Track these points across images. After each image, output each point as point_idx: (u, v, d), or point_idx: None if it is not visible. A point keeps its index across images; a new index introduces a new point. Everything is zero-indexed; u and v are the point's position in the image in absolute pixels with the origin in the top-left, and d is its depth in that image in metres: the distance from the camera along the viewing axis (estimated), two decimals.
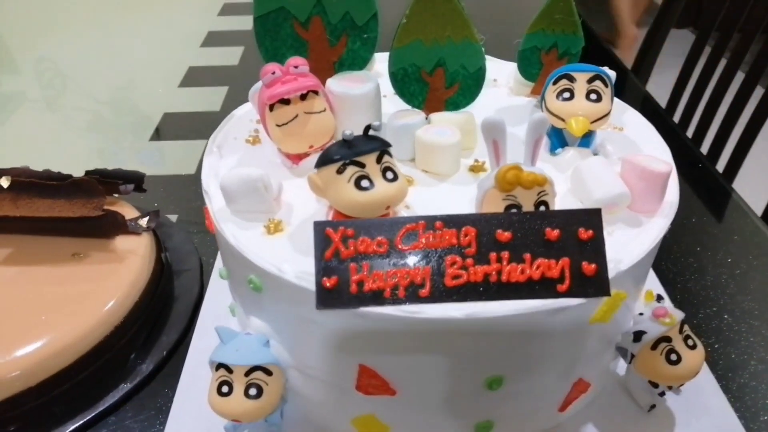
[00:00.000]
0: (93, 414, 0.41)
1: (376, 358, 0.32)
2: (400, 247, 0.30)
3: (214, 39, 1.07)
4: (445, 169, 0.40)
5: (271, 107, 0.39)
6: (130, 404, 0.43)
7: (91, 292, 0.45)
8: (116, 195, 0.54)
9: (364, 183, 0.32)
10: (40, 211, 0.47)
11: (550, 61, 0.46)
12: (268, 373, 0.35)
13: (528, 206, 0.32)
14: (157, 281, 0.49)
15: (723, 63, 0.95)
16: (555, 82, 0.41)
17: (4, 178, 0.47)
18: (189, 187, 0.67)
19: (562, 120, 0.40)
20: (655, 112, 0.84)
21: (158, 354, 0.46)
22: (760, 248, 0.56)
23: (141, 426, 0.42)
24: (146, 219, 0.51)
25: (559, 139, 0.42)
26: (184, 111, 0.84)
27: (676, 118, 1.04)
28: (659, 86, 1.12)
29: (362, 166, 0.32)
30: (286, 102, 0.39)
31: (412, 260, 0.30)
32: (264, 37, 0.45)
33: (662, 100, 0.92)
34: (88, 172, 0.52)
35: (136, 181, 0.55)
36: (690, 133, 1.00)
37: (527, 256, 0.30)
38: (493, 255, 0.30)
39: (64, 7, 1.23)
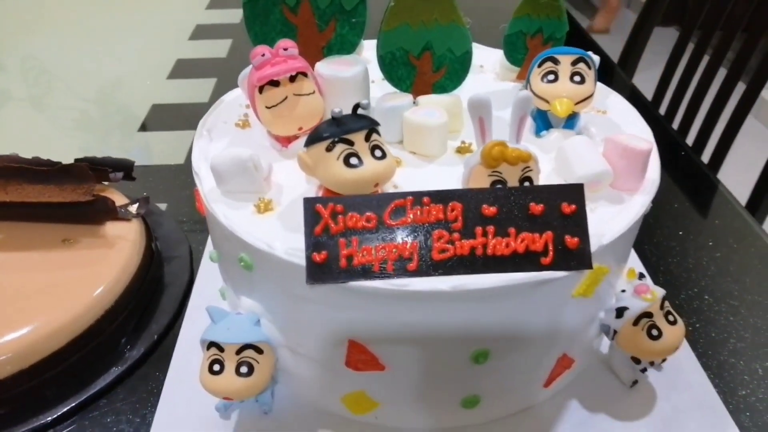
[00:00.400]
0: (84, 397, 0.42)
1: (365, 333, 0.33)
2: (388, 222, 0.31)
3: (202, 32, 1.07)
4: (432, 150, 0.40)
5: (261, 89, 0.39)
6: (121, 387, 0.43)
7: (81, 277, 0.45)
8: (105, 183, 0.54)
9: (353, 160, 0.33)
10: (30, 196, 0.47)
11: (535, 46, 0.47)
12: (259, 351, 0.35)
13: (513, 182, 0.32)
14: (147, 267, 0.49)
15: (706, 59, 0.97)
16: (540, 65, 0.42)
17: None
18: (178, 176, 0.67)
19: (547, 102, 0.41)
20: (642, 104, 0.85)
21: (148, 339, 0.46)
22: (740, 232, 0.57)
23: (132, 408, 0.42)
24: (136, 205, 0.51)
25: (543, 122, 0.43)
26: (172, 102, 0.84)
27: (662, 112, 1.06)
28: (644, 82, 1.13)
29: (351, 143, 0.33)
30: (275, 84, 0.39)
31: (400, 235, 0.31)
32: (253, 21, 0.45)
33: (647, 95, 0.94)
34: (77, 160, 0.52)
35: (125, 168, 0.55)
36: (675, 126, 1.02)
37: (512, 230, 0.31)
38: (479, 229, 0.31)
39: (50, 4, 1.22)
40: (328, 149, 0.33)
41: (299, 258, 0.31)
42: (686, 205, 0.62)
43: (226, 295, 0.44)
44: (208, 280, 0.50)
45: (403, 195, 0.31)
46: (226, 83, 0.88)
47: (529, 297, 0.31)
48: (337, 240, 0.31)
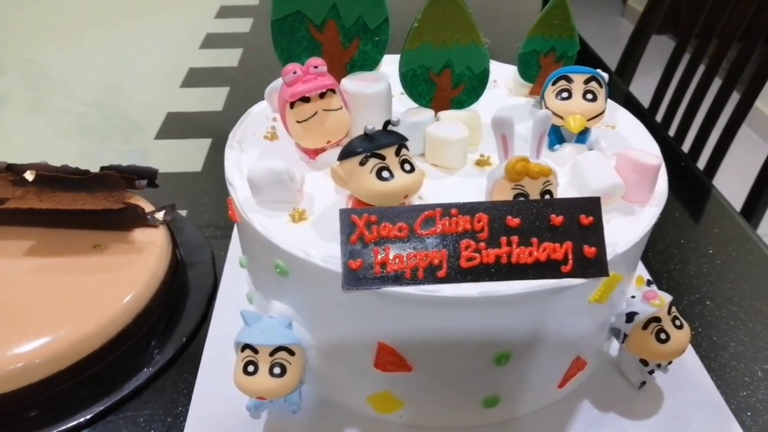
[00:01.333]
0: (118, 397, 0.43)
1: (395, 336, 0.35)
2: (419, 232, 0.33)
3: (212, 41, 1.09)
4: (453, 162, 0.43)
5: (292, 104, 0.42)
6: (152, 387, 0.45)
7: (113, 282, 0.47)
8: (131, 190, 0.56)
9: (385, 174, 0.35)
10: (64, 204, 0.49)
11: (547, 64, 0.50)
12: (291, 353, 0.37)
13: (534, 195, 0.35)
14: (173, 273, 0.51)
15: (702, 68, 1.00)
16: (554, 83, 0.44)
17: (28, 172, 0.49)
18: (196, 183, 0.70)
19: (561, 118, 0.43)
20: (639, 112, 0.88)
21: (177, 341, 0.48)
22: (738, 240, 0.60)
23: (164, 408, 0.44)
24: (163, 212, 0.53)
25: (557, 136, 0.45)
26: (187, 111, 0.86)
27: (658, 119, 1.09)
28: (641, 87, 1.16)
29: (383, 158, 0.35)
30: (306, 100, 0.41)
31: (430, 244, 0.33)
32: (281, 38, 0.47)
33: (644, 102, 0.97)
34: (102, 168, 0.54)
35: (149, 176, 0.57)
36: (671, 133, 1.05)
37: (534, 240, 0.33)
38: (503, 239, 0.33)
39: (60, 15, 1.24)
40: (362, 163, 0.35)
41: (335, 265, 0.33)
42: (686, 213, 0.64)
43: (253, 299, 0.46)
44: (232, 284, 0.52)
45: (433, 207, 0.33)
46: (238, 92, 0.90)
47: (549, 303, 0.34)
48: (372, 248, 0.33)
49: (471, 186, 0.41)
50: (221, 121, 0.83)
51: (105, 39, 1.11)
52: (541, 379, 0.39)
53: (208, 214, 0.64)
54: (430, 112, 0.45)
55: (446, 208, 0.33)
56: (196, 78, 0.95)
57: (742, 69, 0.92)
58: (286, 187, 0.38)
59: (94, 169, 0.52)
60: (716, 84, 0.96)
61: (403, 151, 0.36)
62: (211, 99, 0.89)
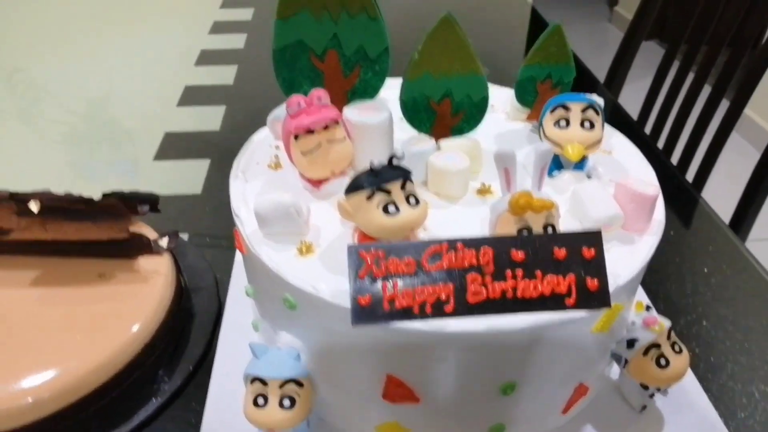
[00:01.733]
0: (128, 429, 0.44)
1: (403, 368, 0.36)
2: (426, 266, 0.34)
3: (207, 57, 1.09)
4: (455, 191, 0.43)
5: (296, 136, 0.42)
6: (161, 418, 0.45)
7: (120, 312, 0.47)
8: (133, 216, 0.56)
9: (391, 208, 0.36)
10: (69, 234, 0.49)
11: (544, 90, 0.51)
12: (300, 384, 0.38)
13: (537, 228, 0.36)
14: (178, 300, 0.51)
15: (691, 75, 1.01)
16: (552, 111, 0.45)
17: (32, 202, 0.49)
18: (196, 206, 0.70)
19: (559, 146, 0.44)
20: (628, 125, 0.89)
21: (184, 370, 0.48)
22: (730, 258, 0.61)
23: None
24: (167, 239, 0.53)
25: (555, 163, 0.46)
26: (184, 131, 0.86)
27: (648, 126, 1.10)
28: (629, 96, 1.18)
29: (388, 192, 0.36)
30: (310, 131, 0.42)
31: (437, 278, 0.34)
32: (282, 68, 0.48)
33: (632, 109, 0.98)
34: (105, 195, 0.54)
35: (151, 202, 0.57)
36: (661, 143, 1.06)
37: (538, 273, 0.34)
38: (508, 272, 0.34)
39: (52, 31, 1.24)
40: (368, 198, 0.36)
41: (344, 300, 0.34)
42: (680, 231, 0.66)
43: (259, 327, 0.47)
44: (236, 310, 0.52)
45: (439, 241, 0.34)
46: (235, 111, 0.90)
47: (554, 334, 0.35)
48: (380, 283, 0.33)
49: (473, 215, 0.42)
50: (219, 141, 0.83)
51: (98, 52, 1.11)
52: (546, 406, 0.40)
53: (209, 238, 0.64)
54: (432, 142, 0.46)
55: (452, 243, 0.34)
56: (192, 96, 0.96)
57: (731, 75, 0.94)
58: (293, 220, 0.39)
59: (94, 188, 0.52)
60: (706, 90, 0.98)
61: (408, 184, 0.37)
62: (208, 118, 0.89)
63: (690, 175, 0.99)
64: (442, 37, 0.44)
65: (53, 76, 1.01)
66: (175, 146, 0.82)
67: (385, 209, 0.36)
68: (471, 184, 0.45)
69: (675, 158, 1.03)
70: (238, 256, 0.59)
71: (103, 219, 0.50)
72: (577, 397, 0.41)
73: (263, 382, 0.38)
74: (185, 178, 0.75)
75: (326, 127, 0.42)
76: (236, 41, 1.15)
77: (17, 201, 0.53)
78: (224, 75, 1.02)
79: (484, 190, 0.44)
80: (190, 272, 0.57)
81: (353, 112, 0.46)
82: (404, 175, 0.37)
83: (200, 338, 0.51)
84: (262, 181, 0.46)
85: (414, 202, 0.36)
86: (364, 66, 0.48)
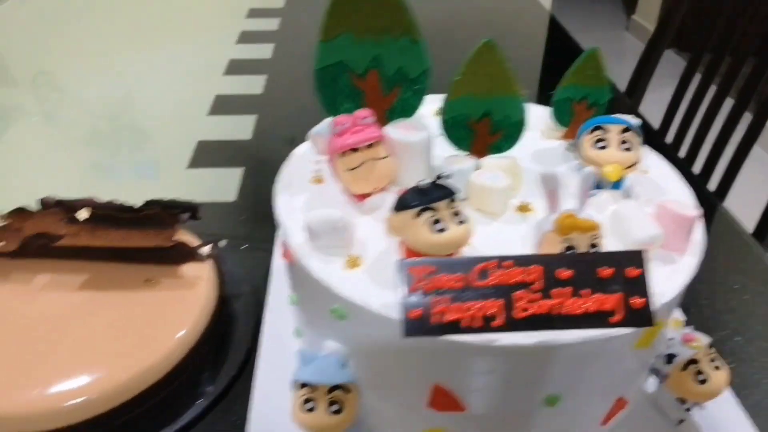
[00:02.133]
0: (175, 429, 0.45)
1: (450, 378, 0.37)
2: (475, 283, 0.35)
3: (236, 67, 1.11)
4: (496, 209, 0.45)
5: (342, 153, 0.44)
6: (206, 420, 0.47)
7: (167, 316, 0.49)
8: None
9: (439, 226, 0.37)
10: (116, 241, 0.51)
11: (581, 110, 0.52)
12: (348, 391, 0.39)
13: (582, 247, 0.37)
14: (221, 305, 0.53)
15: (713, 87, 1.02)
16: (590, 132, 0.46)
17: (84, 210, 0.51)
18: (231, 213, 0.72)
19: (598, 166, 0.45)
20: (650, 133, 0.90)
21: (228, 373, 0.50)
22: (763, 276, 0.62)
23: None
24: (209, 246, 0.55)
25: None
26: (216, 139, 0.88)
27: (669, 137, 1.10)
28: (649, 107, 1.19)
29: (435, 210, 0.37)
30: (354, 149, 0.44)
31: (485, 294, 0.35)
32: (324, 86, 0.49)
33: (653, 119, 0.98)
34: (148, 202, 0.56)
35: (191, 210, 0.59)
36: (682, 154, 1.06)
37: (585, 291, 0.35)
38: (555, 291, 0.35)
39: (79, 42, 1.27)
40: (416, 216, 0.37)
41: (393, 312, 0.35)
42: (709, 246, 0.66)
43: (302, 334, 0.48)
44: (277, 317, 0.54)
45: (488, 259, 0.35)
46: (266, 120, 0.92)
47: (598, 349, 0.36)
48: (430, 298, 0.35)
49: (514, 232, 0.43)
50: (252, 150, 0.85)
51: (127, 62, 1.14)
52: (587, 418, 0.41)
53: (246, 245, 0.66)
54: (472, 160, 0.47)
55: (501, 260, 0.35)
56: (223, 105, 0.98)
57: (755, 87, 0.94)
58: (341, 234, 0.40)
59: (131, 196, 0.54)
60: (729, 102, 0.98)
61: (455, 203, 0.38)
62: (240, 127, 0.91)
63: (711, 186, 0.99)
64: (483, 60, 0.45)
65: (85, 86, 1.04)
66: (208, 154, 0.84)
67: (434, 227, 0.37)
68: (511, 202, 0.46)
69: (696, 168, 1.03)
70: (276, 263, 0.60)
71: (149, 227, 0.52)
72: (616, 410, 0.42)
73: (312, 388, 0.39)
74: (219, 185, 0.77)
75: (370, 146, 0.44)
76: (264, 51, 1.18)
77: (65, 208, 0.55)
78: (253, 84, 1.04)
79: (524, 208, 0.45)
80: (230, 278, 0.59)
81: (395, 131, 0.47)
82: (451, 194, 0.38)
83: (242, 343, 0.52)
84: (307, 195, 0.47)
85: (460, 220, 0.38)
86: (404, 86, 0.49)
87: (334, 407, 0.39)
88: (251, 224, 0.69)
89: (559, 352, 0.35)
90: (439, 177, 0.38)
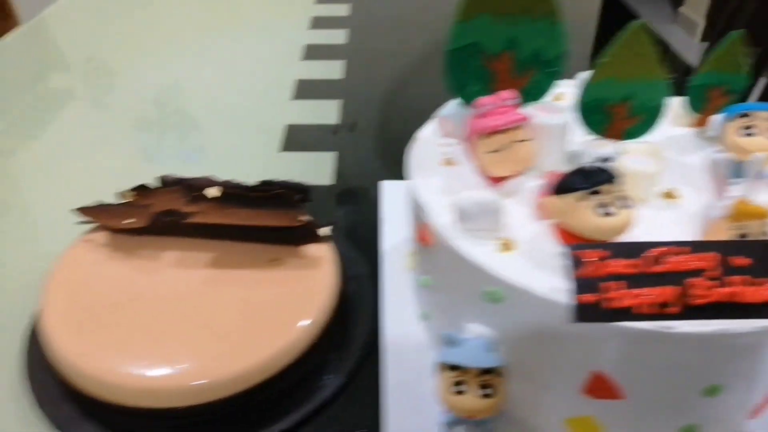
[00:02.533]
0: (307, 410, 0.46)
1: (614, 367, 0.37)
2: (648, 269, 0.35)
3: (313, 52, 1.12)
4: (643, 194, 0.44)
5: (484, 135, 0.44)
6: (342, 397, 0.48)
7: (296, 296, 0.50)
8: None
9: (605, 210, 0.37)
10: (244, 219, 0.52)
11: (716, 97, 0.50)
12: (498, 374, 0.39)
13: (755, 235, 0.36)
14: (344, 286, 0.54)
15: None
16: (735, 119, 0.45)
17: (215, 188, 0.52)
18: (329, 197, 0.72)
19: (745, 152, 0.44)
20: None
21: (354, 353, 0.50)
22: None
23: (357, 417, 0.46)
24: (329, 228, 0.55)
25: (734, 170, 0.46)
26: (304, 123, 0.89)
27: None
28: None
29: (601, 194, 0.37)
30: (498, 131, 0.43)
31: (658, 281, 0.34)
32: (454, 68, 0.49)
33: None
34: (264, 182, 0.57)
35: (304, 191, 0.59)
36: None
37: (762, 279, 0.34)
38: (732, 278, 0.34)
39: (152, 33, 1.29)
40: (581, 199, 0.37)
41: (560, 297, 0.35)
42: None
43: (430, 317, 0.48)
44: (395, 299, 0.54)
45: (663, 244, 0.35)
46: (351, 105, 0.93)
47: None
48: (602, 283, 0.34)
49: (664, 218, 0.42)
50: (341, 134, 0.86)
51: (200, 51, 1.15)
52: (739, 411, 0.40)
53: (350, 228, 0.66)
54: (614, 145, 0.46)
55: (677, 246, 0.35)
56: (306, 90, 0.98)
57: None
58: (494, 217, 0.40)
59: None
60: None
61: (617, 187, 0.38)
62: (325, 111, 0.92)
63: None
64: (633, 43, 0.44)
65: (161, 77, 1.06)
66: (298, 138, 0.85)
67: (600, 211, 0.36)
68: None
69: None
70: (386, 246, 0.61)
71: (277, 207, 0.53)
72: (765, 403, 0.41)
73: (463, 371, 0.39)
74: (313, 169, 0.78)
75: (514, 128, 0.44)
76: (338, 36, 1.18)
77: (186, 186, 0.56)
78: (332, 69, 1.05)
79: (669, 194, 0.45)
80: (345, 261, 0.60)
81: (534, 113, 0.47)
82: (614, 178, 0.38)
83: (365, 324, 0.53)
84: (442, 177, 0.47)
85: (625, 203, 0.37)
86: (538, 69, 0.49)
87: (486, 390, 0.39)
88: (352, 206, 0.70)
89: (735, 341, 0.34)
90: (605, 160, 0.38)
